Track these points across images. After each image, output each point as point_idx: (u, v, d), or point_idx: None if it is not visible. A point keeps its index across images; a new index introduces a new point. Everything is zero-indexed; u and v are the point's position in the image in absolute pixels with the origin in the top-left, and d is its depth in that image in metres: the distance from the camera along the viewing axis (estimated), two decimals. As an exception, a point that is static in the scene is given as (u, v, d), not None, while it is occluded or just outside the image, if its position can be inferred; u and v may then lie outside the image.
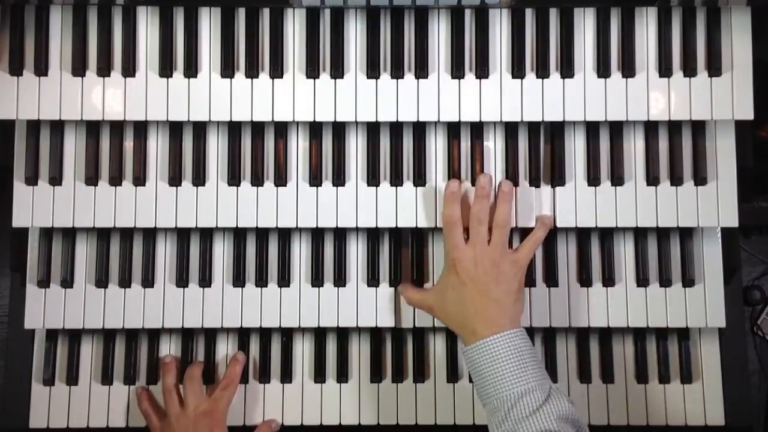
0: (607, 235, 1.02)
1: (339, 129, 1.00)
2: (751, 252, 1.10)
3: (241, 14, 0.99)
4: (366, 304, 1.01)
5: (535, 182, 0.99)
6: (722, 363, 1.03)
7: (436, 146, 1.01)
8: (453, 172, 0.99)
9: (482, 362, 0.87)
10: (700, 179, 0.99)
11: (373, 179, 1.00)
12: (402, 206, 0.99)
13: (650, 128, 1.01)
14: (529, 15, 0.99)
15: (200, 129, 1.00)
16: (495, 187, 0.99)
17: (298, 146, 1.01)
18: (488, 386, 0.87)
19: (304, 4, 0.96)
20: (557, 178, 0.99)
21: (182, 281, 1.00)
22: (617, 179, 0.99)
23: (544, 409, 0.83)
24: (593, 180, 0.99)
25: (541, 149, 1.00)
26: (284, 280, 1.01)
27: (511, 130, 1.01)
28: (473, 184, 0.99)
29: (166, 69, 0.97)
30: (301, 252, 1.02)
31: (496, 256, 0.92)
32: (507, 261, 0.93)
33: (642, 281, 1.01)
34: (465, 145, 1.01)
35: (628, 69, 0.98)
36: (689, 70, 0.98)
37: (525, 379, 0.85)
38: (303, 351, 1.03)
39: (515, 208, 0.99)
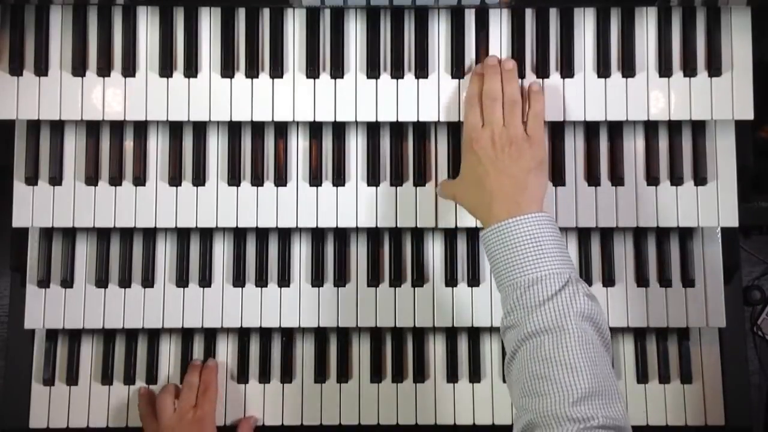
0: (607, 235, 1.02)
1: (339, 129, 1.00)
2: (751, 252, 1.10)
3: (241, 14, 0.98)
4: (366, 304, 1.01)
5: (535, 182, 0.99)
6: (722, 363, 1.03)
7: (437, 146, 1.01)
8: (453, 172, 0.99)
9: (496, 247, 0.82)
10: (700, 179, 0.99)
11: (373, 179, 1.00)
12: (402, 206, 0.99)
13: (650, 128, 1.01)
14: (529, 15, 0.99)
15: (200, 129, 1.00)
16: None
17: (298, 146, 1.01)
18: (501, 273, 0.82)
19: (304, 4, 0.96)
20: (557, 178, 0.99)
21: (182, 281, 1.00)
22: (617, 179, 0.99)
23: (555, 301, 0.77)
24: (593, 180, 0.99)
25: (541, 149, 1.00)
26: (284, 280, 1.01)
27: (511, 130, 1.01)
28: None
29: (166, 69, 0.97)
30: (301, 252, 1.02)
31: (511, 133, 0.89)
32: (522, 138, 0.89)
33: (642, 281, 1.01)
34: (465, 145, 1.01)
35: (628, 69, 0.98)
36: (689, 70, 0.98)
37: (539, 266, 0.79)
38: (303, 351, 1.03)
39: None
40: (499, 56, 0.97)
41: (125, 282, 1.00)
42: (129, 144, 1.00)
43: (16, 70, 0.96)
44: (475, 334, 1.03)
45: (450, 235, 1.02)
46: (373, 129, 1.01)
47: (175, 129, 1.00)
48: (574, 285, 0.80)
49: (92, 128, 0.99)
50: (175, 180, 0.99)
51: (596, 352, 0.77)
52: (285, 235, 1.02)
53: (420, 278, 1.01)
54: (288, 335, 1.03)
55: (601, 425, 0.72)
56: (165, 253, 1.02)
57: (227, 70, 0.97)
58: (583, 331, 0.77)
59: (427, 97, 0.98)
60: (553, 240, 0.82)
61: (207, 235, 1.02)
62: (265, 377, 1.02)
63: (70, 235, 1.01)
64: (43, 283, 0.99)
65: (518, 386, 0.78)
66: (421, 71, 0.97)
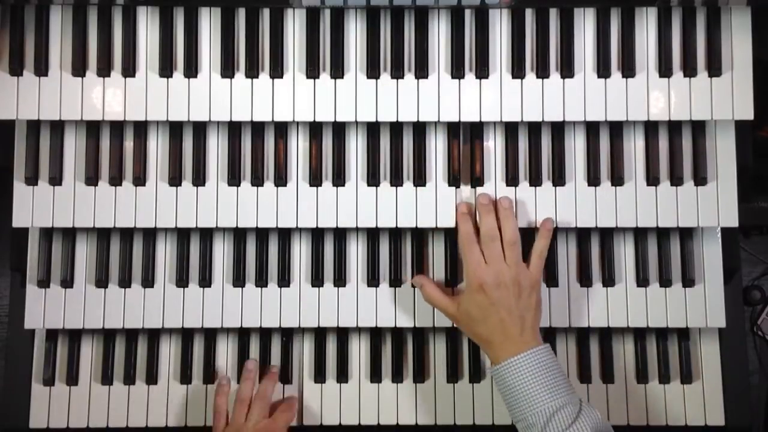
0: (607, 235, 1.02)
1: (339, 129, 1.00)
2: (751, 252, 1.10)
3: (241, 14, 0.99)
4: (366, 304, 1.01)
5: (535, 182, 0.99)
6: (722, 363, 1.03)
7: (436, 146, 1.01)
8: (453, 172, 0.99)
9: (513, 380, 0.89)
10: (700, 179, 0.99)
11: (373, 179, 1.00)
12: (402, 206, 0.99)
13: (650, 128, 1.01)
14: (529, 15, 0.99)
15: (200, 129, 1.00)
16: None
17: (298, 146, 1.01)
18: (521, 403, 0.88)
19: (304, 4, 0.96)
20: (557, 178, 0.99)
21: (182, 281, 1.00)
22: (617, 179, 0.99)
23: (578, 423, 0.85)
24: (593, 180, 0.99)
25: (541, 149, 1.00)
26: (284, 280, 1.01)
27: (511, 130, 1.01)
28: (473, 185, 0.99)
29: (166, 69, 0.97)
30: (301, 252, 1.02)
31: (514, 274, 0.94)
32: (524, 277, 0.94)
33: (642, 281, 1.01)
34: (465, 145, 1.01)
35: (628, 69, 0.98)
36: (689, 70, 0.98)
37: (557, 395, 0.87)
38: (303, 351, 1.03)
39: (515, 208, 0.99)
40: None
41: (125, 282, 1.00)
42: (129, 144, 1.00)
43: (16, 70, 0.96)
44: (475, 334, 1.03)
45: (450, 235, 1.02)
46: (373, 129, 1.01)
47: (175, 129, 1.00)
48: (587, 406, 0.88)
49: (92, 128, 0.99)
50: (175, 180, 0.99)
51: None
52: (285, 235, 1.02)
53: (420, 278, 1.01)
54: (288, 335, 1.03)
55: None
56: (165, 253, 1.02)
57: (227, 70, 0.97)
58: None
59: (427, 97, 0.98)
60: (557, 368, 0.90)
61: (207, 235, 1.02)
62: (265, 377, 1.02)
63: (70, 235, 1.01)
64: (43, 283, 0.99)
65: None
66: (421, 71, 0.97)
